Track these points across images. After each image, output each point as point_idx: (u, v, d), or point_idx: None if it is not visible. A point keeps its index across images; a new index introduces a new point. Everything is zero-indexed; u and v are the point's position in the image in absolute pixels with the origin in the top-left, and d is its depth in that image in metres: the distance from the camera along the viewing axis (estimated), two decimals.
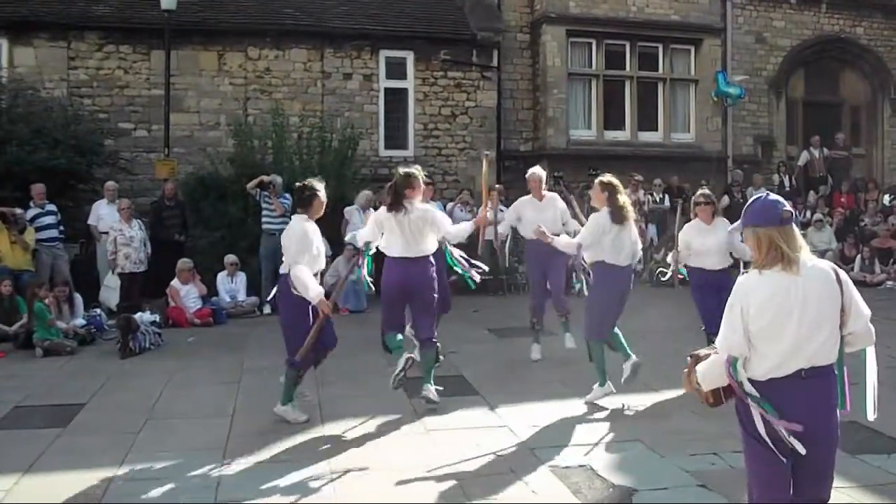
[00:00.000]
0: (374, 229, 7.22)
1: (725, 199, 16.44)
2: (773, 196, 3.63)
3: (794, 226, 3.53)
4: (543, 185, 9.34)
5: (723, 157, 18.27)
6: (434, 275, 7.15)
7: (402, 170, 7.18)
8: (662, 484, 5.40)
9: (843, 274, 3.54)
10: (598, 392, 7.35)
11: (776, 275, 3.45)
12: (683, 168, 17.06)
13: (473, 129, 16.53)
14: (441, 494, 5.31)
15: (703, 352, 3.73)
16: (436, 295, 7.19)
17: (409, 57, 16.29)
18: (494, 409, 7.27)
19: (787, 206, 3.55)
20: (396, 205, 6.95)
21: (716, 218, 8.16)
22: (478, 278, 7.68)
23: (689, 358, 3.72)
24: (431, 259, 7.12)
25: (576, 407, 7.36)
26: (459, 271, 7.76)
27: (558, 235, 9.34)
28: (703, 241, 8.01)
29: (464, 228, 7.31)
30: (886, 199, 17.25)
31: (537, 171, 9.42)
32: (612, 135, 17.50)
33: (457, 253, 7.69)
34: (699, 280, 8.08)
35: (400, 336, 7.31)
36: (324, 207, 6.90)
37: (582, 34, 17.25)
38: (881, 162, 19.76)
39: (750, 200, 3.67)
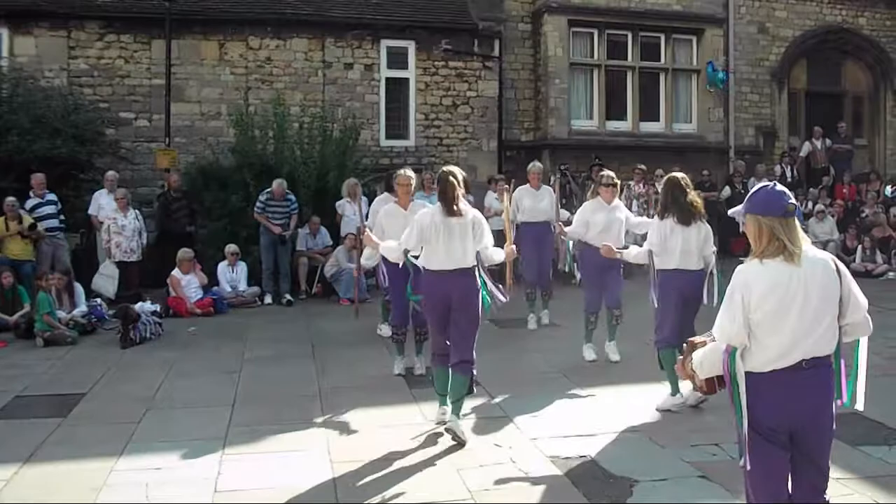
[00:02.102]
0: (418, 237, 6.25)
1: (727, 190, 16.46)
2: (779, 187, 3.57)
3: (795, 220, 3.50)
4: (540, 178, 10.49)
5: (725, 147, 18.20)
6: (479, 289, 6.27)
7: (445, 168, 6.39)
8: (663, 475, 5.41)
9: (841, 264, 3.53)
10: (668, 400, 6.92)
11: (777, 264, 3.43)
12: (685, 159, 16.97)
13: (475, 119, 16.47)
14: (441, 484, 5.31)
15: (698, 339, 3.73)
16: (479, 312, 6.28)
17: (411, 47, 16.21)
18: (495, 399, 7.27)
19: (793, 200, 3.51)
20: (454, 208, 6.16)
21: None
22: (501, 299, 6.46)
23: (685, 345, 3.71)
24: (476, 271, 6.26)
25: (577, 398, 7.38)
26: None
27: (552, 221, 9.92)
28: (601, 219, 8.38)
29: (499, 255, 6.41)
30: (888, 189, 17.22)
31: (539, 164, 10.84)
32: (613, 125, 17.42)
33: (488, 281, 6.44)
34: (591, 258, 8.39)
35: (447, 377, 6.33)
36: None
37: (584, 24, 17.15)
38: (883, 152, 19.69)
39: (756, 187, 3.61)
